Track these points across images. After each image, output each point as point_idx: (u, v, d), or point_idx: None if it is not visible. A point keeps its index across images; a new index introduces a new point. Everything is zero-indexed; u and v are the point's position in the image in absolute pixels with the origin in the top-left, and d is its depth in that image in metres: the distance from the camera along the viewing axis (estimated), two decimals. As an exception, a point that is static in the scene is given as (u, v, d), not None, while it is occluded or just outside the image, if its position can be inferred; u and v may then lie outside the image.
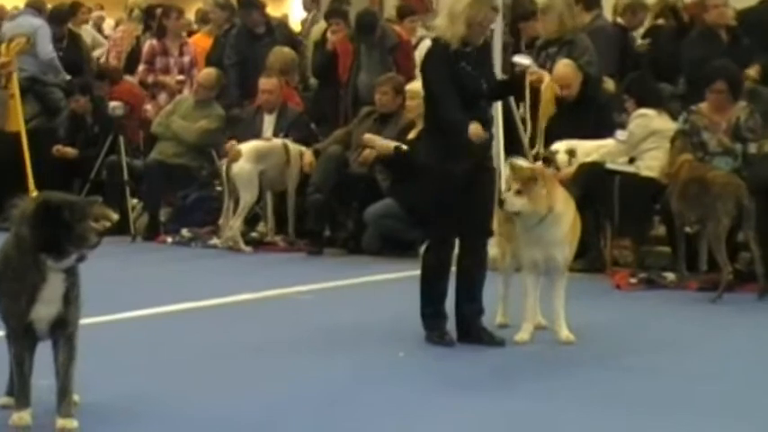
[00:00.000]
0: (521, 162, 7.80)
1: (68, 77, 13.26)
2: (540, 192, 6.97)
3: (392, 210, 10.53)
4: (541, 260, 7.08)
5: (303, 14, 16.05)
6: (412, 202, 9.45)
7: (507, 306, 7.49)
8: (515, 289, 7.38)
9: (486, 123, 7.09)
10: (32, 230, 4.91)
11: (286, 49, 12.49)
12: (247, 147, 11.25)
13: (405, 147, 10.47)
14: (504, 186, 7.23)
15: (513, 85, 7.90)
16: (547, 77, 10.14)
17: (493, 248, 9.81)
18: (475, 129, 6.80)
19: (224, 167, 11.17)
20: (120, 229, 11.45)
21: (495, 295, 7.46)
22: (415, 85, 10.43)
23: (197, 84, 12.45)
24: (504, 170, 9.92)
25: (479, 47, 7.07)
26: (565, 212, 7.10)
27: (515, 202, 6.94)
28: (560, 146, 9.86)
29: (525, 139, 10.23)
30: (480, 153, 7.04)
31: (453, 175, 6.91)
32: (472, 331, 7.06)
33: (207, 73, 12.45)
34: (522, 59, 7.75)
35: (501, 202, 6.99)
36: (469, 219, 7.02)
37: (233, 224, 11.11)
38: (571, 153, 9.86)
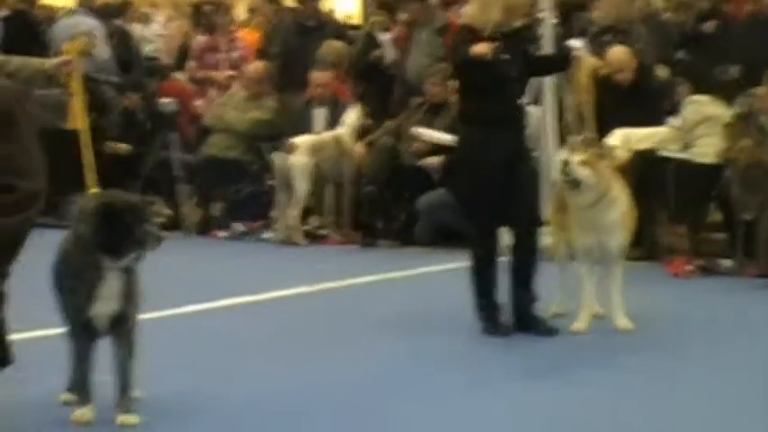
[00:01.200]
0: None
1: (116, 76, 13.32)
2: (605, 169, 6.93)
3: (445, 200, 10.49)
4: (596, 247, 7.01)
5: (349, 9, 16.04)
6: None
7: (564, 295, 7.44)
8: (571, 278, 7.33)
9: (517, 110, 7.09)
10: (93, 230, 4.93)
11: (338, 43, 12.48)
12: (303, 140, 11.27)
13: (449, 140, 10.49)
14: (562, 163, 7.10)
15: (558, 61, 7.83)
16: (593, 61, 10.06)
17: (547, 238, 9.82)
18: (478, 47, 6.69)
19: (280, 160, 11.17)
20: (173, 224, 11.55)
21: (550, 285, 7.42)
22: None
23: (246, 78, 12.48)
24: (556, 158, 9.96)
25: (511, 33, 6.99)
26: (619, 197, 7.05)
27: (580, 170, 6.87)
28: (616, 138, 9.76)
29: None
30: (516, 142, 7.02)
31: (490, 165, 6.88)
32: (526, 320, 7.04)
33: (255, 66, 12.49)
34: (575, 43, 7.70)
35: (565, 166, 6.89)
36: (513, 208, 6.99)
37: (289, 216, 11.13)
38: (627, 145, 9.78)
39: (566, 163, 6.89)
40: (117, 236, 4.92)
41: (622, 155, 9.52)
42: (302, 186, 11.15)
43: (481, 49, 6.69)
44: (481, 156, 6.89)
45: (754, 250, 9.12)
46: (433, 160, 10.74)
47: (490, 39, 6.81)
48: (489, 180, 6.90)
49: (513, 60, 6.92)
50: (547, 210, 8.64)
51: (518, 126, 7.18)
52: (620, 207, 7.04)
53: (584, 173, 6.87)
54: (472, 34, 6.89)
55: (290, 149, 11.14)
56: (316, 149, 11.26)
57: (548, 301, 7.40)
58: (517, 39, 7.12)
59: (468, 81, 7.05)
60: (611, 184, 6.99)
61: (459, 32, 7.18)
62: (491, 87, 6.87)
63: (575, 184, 6.89)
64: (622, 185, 7.14)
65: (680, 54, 11.39)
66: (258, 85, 12.27)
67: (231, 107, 12.27)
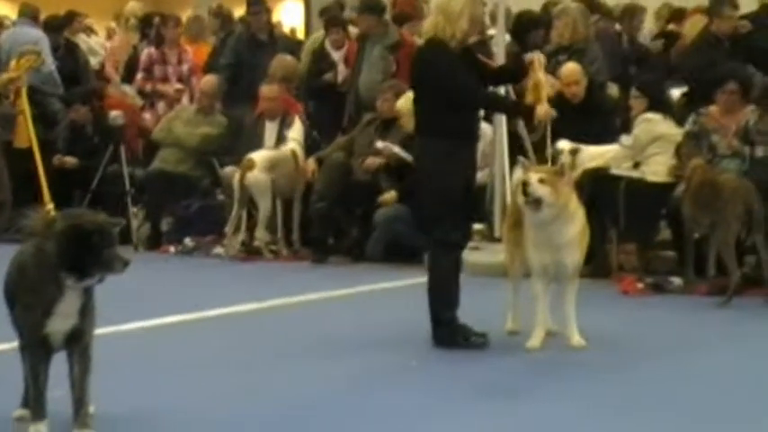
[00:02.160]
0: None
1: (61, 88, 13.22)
2: (563, 186, 6.96)
3: (402, 214, 10.49)
4: (551, 264, 7.02)
5: (293, 23, 16.01)
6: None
7: (517, 313, 7.44)
8: (524, 295, 7.34)
9: (477, 124, 7.26)
10: (59, 250, 4.88)
11: (289, 57, 12.48)
12: (260, 156, 11.22)
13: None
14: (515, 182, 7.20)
15: (514, 70, 7.86)
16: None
17: (501, 254, 9.85)
18: (545, 111, 7.09)
19: (237, 177, 11.11)
20: (123, 239, 11.42)
21: (504, 302, 7.43)
22: (404, 103, 10.43)
23: (199, 91, 12.41)
24: (509, 175, 10.01)
25: (467, 47, 7.12)
26: (576, 213, 7.07)
27: (539, 189, 6.88)
28: (564, 145, 9.83)
29: (528, 144, 10.19)
30: (474, 155, 7.26)
31: (464, 175, 7.00)
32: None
33: (207, 79, 12.42)
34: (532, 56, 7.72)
35: (525, 186, 6.89)
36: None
37: (258, 234, 11.12)
38: (574, 153, 9.83)
39: (525, 183, 6.89)
40: (84, 258, 4.88)
41: (567, 160, 9.62)
42: (265, 203, 11.09)
43: (545, 114, 7.10)
44: (455, 168, 6.95)
45: (703, 268, 9.18)
46: (375, 162, 10.73)
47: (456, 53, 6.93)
48: (457, 192, 6.95)
49: (474, 74, 7.05)
50: (501, 227, 8.70)
51: (476, 140, 7.34)
52: (577, 222, 7.06)
53: (544, 191, 6.88)
54: (446, 48, 6.95)
55: (248, 166, 11.06)
56: (273, 164, 11.21)
57: (502, 318, 7.40)
58: (473, 53, 7.25)
59: (434, 96, 7.05)
60: (568, 202, 7.01)
61: (431, 47, 7.13)
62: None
63: (535, 202, 6.90)
64: (578, 203, 7.16)
65: (632, 70, 11.49)
66: (209, 99, 12.21)
67: (181, 122, 12.20)
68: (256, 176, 11.06)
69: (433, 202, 7.12)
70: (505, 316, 7.45)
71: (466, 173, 7.04)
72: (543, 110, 7.08)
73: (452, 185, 6.94)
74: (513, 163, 10.24)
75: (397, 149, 10.74)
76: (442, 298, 7.05)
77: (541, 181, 6.89)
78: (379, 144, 10.88)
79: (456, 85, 6.98)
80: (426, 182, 7.11)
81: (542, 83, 7.27)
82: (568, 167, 9.60)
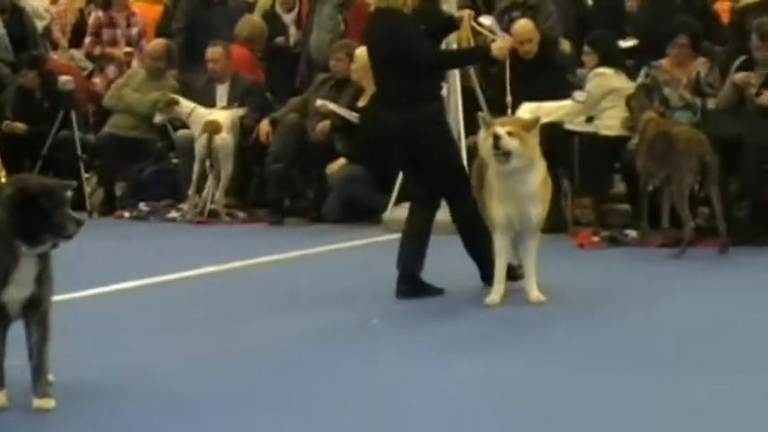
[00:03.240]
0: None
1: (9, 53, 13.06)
2: (532, 139, 6.99)
3: (357, 174, 10.47)
4: (516, 216, 7.03)
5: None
6: (387, 167, 9.45)
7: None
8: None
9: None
10: (9, 216, 4.81)
11: (255, 18, 12.37)
12: (224, 117, 11.17)
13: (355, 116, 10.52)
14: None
15: (446, 26, 7.91)
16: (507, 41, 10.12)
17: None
18: (501, 44, 7.21)
19: (203, 140, 11.04)
20: (76, 205, 11.35)
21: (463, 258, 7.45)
22: (363, 50, 10.41)
23: (145, 55, 12.30)
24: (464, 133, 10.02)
25: (422, 11, 7.22)
26: (540, 165, 7.08)
27: (509, 142, 6.89)
28: (525, 112, 9.82)
29: (482, 98, 10.20)
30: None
31: (433, 137, 7.18)
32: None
33: (155, 43, 12.31)
34: (485, 20, 7.75)
35: (496, 139, 6.90)
36: None
37: (219, 198, 11.08)
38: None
39: (496, 136, 6.88)
40: (34, 222, 4.81)
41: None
42: (228, 166, 11.08)
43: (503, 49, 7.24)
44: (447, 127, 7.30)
45: (658, 221, 9.25)
46: (326, 125, 10.71)
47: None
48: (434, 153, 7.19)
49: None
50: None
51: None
52: (540, 174, 7.08)
53: (514, 143, 6.89)
54: (397, 15, 7.04)
55: (216, 129, 10.99)
56: (234, 126, 11.17)
57: (459, 274, 7.44)
58: (427, 16, 7.39)
59: (400, 63, 7.10)
60: (535, 154, 7.02)
61: (384, 17, 7.19)
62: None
63: (505, 155, 6.90)
64: (541, 155, 7.16)
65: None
66: (156, 62, 12.09)
67: (131, 88, 12.08)
68: (224, 138, 11.02)
69: (451, 161, 7.37)
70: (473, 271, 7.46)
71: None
72: (497, 46, 7.19)
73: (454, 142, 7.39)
74: (466, 120, 10.29)
75: (333, 106, 10.73)
76: (416, 252, 7.19)
77: (510, 134, 6.90)
78: (318, 102, 10.85)
79: (420, 51, 7.09)
80: (443, 143, 7.31)
81: (468, 38, 7.55)
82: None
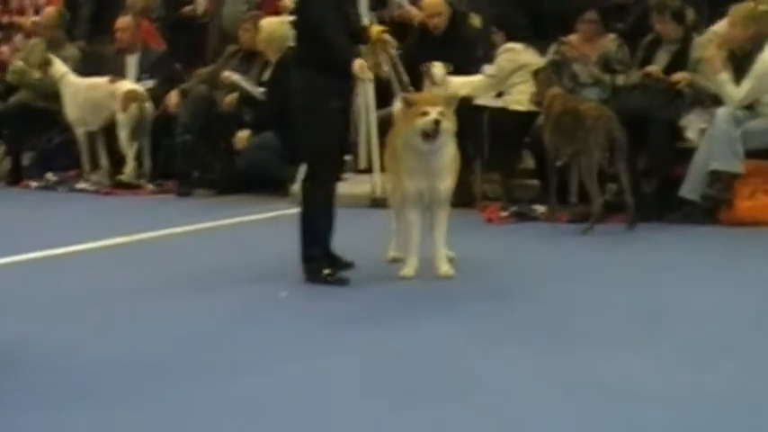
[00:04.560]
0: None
1: None
2: (452, 116, 7.01)
3: (266, 143, 10.38)
4: (426, 190, 7.05)
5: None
6: (292, 140, 9.35)
7: (399, 241, 7.44)
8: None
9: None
10: None
11: (146, -11, 12.27)
12: (143, 88, 11.23)
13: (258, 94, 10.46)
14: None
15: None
16: (412, 13, 10.16)
17: (367, 185, 9.89)
18: (362, 65, 6.77)
19: (134, 109, 11.07)
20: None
21: (384, 230, 7.49)
22: (271, 25, 10.39)
23: (40, 25, 12.09)
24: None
25: None
26: (451, 140, 7.12)
27: (446, 124, 6.92)
28: (439, 69, 9.87)
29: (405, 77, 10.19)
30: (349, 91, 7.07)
31: (334, 113, 6.89)
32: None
33: (47, 12, 12.13)
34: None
35: (436, 123, 6.89)
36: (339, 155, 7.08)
37: (129, 168, 11.17)
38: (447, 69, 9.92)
39: (437, 121, 6.90)
40: None
41: (439, 72, 9.69)
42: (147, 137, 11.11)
43: (362, 67, 6.76)
44: (330, 103, 6.87)
45: (566, 196, 9.33)
46: (233, 98, 10.66)
47: None
48: (334, 126, 6.91)
49: (357, 12, 7.11)
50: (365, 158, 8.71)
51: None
52: (450, 150, 7.11)
53: (447, 124, 6.94)
54: None
55: (142, 99, 10.95)
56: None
57: (371, 246, 7.43)
58: None
59: (300, 26, 7.02)
60: (453, 131, 7.07)
61: None
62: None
63: (437, 136, 6.94)
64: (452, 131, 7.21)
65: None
66: (53, 30, 11.89)
67: (33, 60, 11.86)
68: (149, 108, 10.96)
69: (311, 136, 7.00)
70: (386, 244, 7.48)
71: (339, 104, 6.94)
72: (359, 64, 6.79)
73: (330, 121, 6.88)
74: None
75: (236, 78, 10.69)
76: (310, 233, 6.98)
77: (441, 114, 6.93)
78: (224, 74, 10.81)
79: (314, 16, 6.90)
80: (304, 116, 7.02)
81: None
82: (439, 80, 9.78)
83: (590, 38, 9.82)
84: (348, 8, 6.98)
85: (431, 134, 6.93)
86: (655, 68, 9.37)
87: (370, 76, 6.93)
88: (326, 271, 6.97)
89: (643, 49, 9.64)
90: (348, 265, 7.17)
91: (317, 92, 6.90)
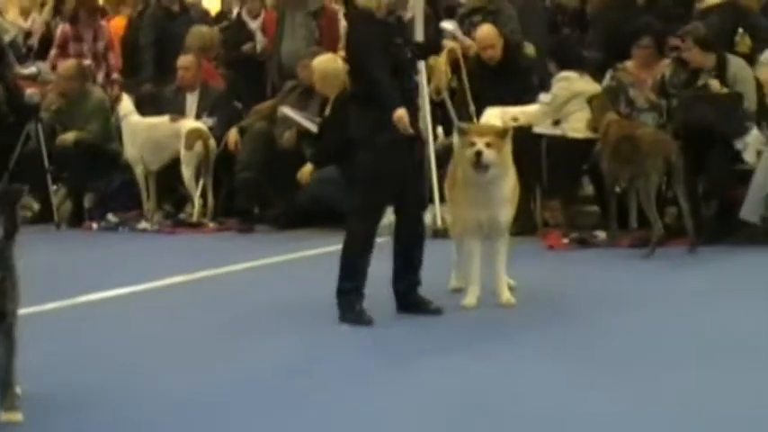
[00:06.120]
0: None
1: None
2: (506, 147, 7.04)
3: (330, 177, 10.32)
4: (485, 221, 7.06)
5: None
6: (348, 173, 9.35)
7: (461, 271, 7.42)
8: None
9: (412, 92, 7.07)
10: None
11: (204, 28, 12.41)
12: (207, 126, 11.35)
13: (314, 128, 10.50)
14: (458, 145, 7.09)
15: (433, 46, 8.05)
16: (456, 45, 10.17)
17: (447, 215, 9.89)
18: (402, 115, 6.66)
19: (198, 147, 11.14)
20: (45, 217, 11.35)
21: (446, 260, 7.50)
22: (322, 63, 10.43)
23: (59, 77, 12.19)
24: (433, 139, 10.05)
25: (399, 17, 7.06)
26: (510, 170, 7.15)
27: (490, 155, 6.94)
28: (491, 117, 9.85)
29: (451, 110, 10.20)
30: (412, 122, 6.87)
31: (383, 146, 6.77)
32: (413, 303, 7.00)
33: (65, 65, 12.20)
34: (447, 25, 7.77)
35: (478, 155, 6.93)
36: (404, 190, 6.91)
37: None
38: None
39: (478, 152, 6.92)
40: None
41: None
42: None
43: (402, 117, 6.65)
44: (377, 136, 6.78)
45: (626, 221, 9.28)
46: (292, 135, 10.72)
47: (385, 24, 6.83)
48: (382, 159, 6.78)
49: (407, 43, 7.00)
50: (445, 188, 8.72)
51: (413, 107, 7.11)
52: (510, 181, 7.15)
53: (492, 156, 6.96)
54: (372, 19, 6.83)
55: (207, 137, 11.10)
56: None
57: (445, 277, 7.46)
58: (404, 23, 7.31)
59: (357, 67, 6.99)
60: (509, 161, 7.08)
61: (358, 16, 7.08)
62: (392, 71, 6.79)
63: (485, 167, 6.96)
64: (511, 160, 7.21)
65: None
66: (71, 81, 11.98)
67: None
68: (213, 146, 11.07)
69: (359, 169, 6.97)
70: (448, 274, 7.49)
71: (392, 136, 6.76)
72: (398, 115, 6.67)
73: (376, 154, 6.79)
74: (435, 125, 10.33)
75: (291, 113, 10.73)
76: (346, 267, 6.86)
77: (488, 145, 6.94)
78: (280, 109, 10.87)
79: (357, 54, 6.91)
80: (354, 149, 6.99)
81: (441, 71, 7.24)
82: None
83: (646, 63, 9.82)
84: (393, 38, 6.88)
85: (475, 165, 6.93)
86: (716, 83, 9.31)
87: (410, 130, 6.73)
88: (358, 307, 6.84)
89: (686, 75, 9.58)
90: (435, 311, 7.00)
91: (367, 124, 6.88)
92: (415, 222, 7.02)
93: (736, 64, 9.49)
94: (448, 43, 7.68)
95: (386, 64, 6.76)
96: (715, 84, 9.32)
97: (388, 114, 6.68)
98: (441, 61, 9.53)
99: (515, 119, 9.72)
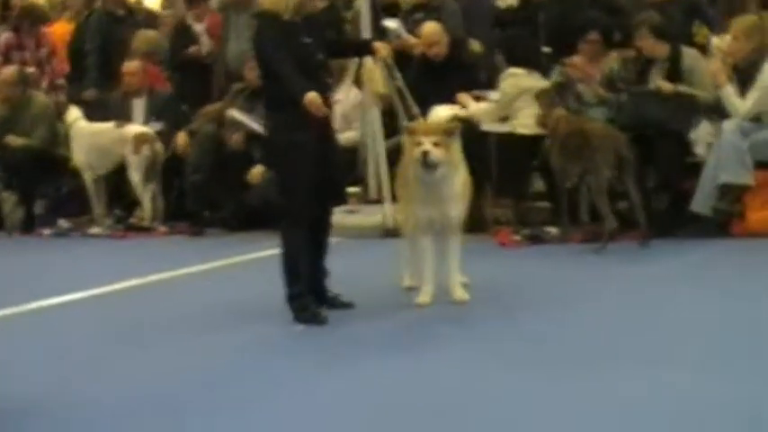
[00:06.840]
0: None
1: None
2: (455, 144, 7.04)
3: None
4: (437, 218, 7.08)
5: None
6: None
7: (415, 269, 7.42)
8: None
9: (326, 92, 6.91)
10: None
11: (150, 32, 12.37)
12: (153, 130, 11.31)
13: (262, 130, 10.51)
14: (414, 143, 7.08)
15: (361, 47, 8.02)
16: (410, 42, 10.18)
17: (378, 216, 9.90)
18: (313, 98, 6.56)
19: (146, 151, 11.12)
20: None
21: (398, 259, 7.52)
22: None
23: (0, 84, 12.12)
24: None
25: (310, 16, 6.95)
26: (462, 167, 7.17)
27: (437, 154, 6.94)
28: (438, 112, 9.87)
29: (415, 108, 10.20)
30: (323, 122, 6.82)
31: (301, 147, 6.70)
32: (323, 296, 7.03)
33: (4, 71, 12.14)
34: (390, 23, 7.74)
35: (425, 155, 6.94)
36: (324, 190, 6.87)
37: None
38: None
39: (425, 152, 6.93)
40: None
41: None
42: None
43: (315, 102, 6.55)
44: (293, 137, 6.68)
45: (577, 217, 9.33)
46: (240, 137, 10.70)
47: (291, 25, 6.73)
48: (304, 162, 6.70)
49: (318, 43, 6.86)
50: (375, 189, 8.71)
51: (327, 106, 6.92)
52: (460, 177, 7.15)
53: (440, 154, 6.96)
54: (277, 22, 6.74)
55: (152, 140, 11.00)
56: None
57: (396, 275, 7.48)
58: (318, 21, 7.14)
59: (265, 67, 6.90)
60: (458, 158, 7.10)
61: (263, 20, 6.95)
62: (301, 72, 6.68)
63: (433, 167, 6.97)
64: (461, 157, 7.22)
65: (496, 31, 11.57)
66: (13, 87, 11.91)
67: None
68: (160, 150, 11.04)
69: (285, 173, 6.88)
70: (401, 273, 7.49)
71: (304, 137, 6.68)
72: (308, 98, 6.53)
73: (298, 156, 6.70)
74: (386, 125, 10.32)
75: (238, 115, 10.74)
76: (290, 272, 6.81)
77: (436, 144, 6.95)
78: (228, 113, 10.86)
79: (263, 51, 6.82)
80: (272, 154, 6.96)
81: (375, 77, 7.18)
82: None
83: (593, 58, 9.85)
84: (299, 38, 6.76)
85: (423, 165, 6.96)
86: (667, 86, 9.35)
87: (325, 110, 6.66)
88: (312, 307, 6.84)
89: (636, 68, 9.64)
90: (347, 305, 7.08)
91: (278, 127, 6.83)
92: (326, 217, 7.00)
93: (690, 55, 9.55)
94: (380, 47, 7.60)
95: (292, 61, 6.65)
96: (666, 86, 9.35)
97: (298, 113, 6.58)
98: (373, 68, 9.56)
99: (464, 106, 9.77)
